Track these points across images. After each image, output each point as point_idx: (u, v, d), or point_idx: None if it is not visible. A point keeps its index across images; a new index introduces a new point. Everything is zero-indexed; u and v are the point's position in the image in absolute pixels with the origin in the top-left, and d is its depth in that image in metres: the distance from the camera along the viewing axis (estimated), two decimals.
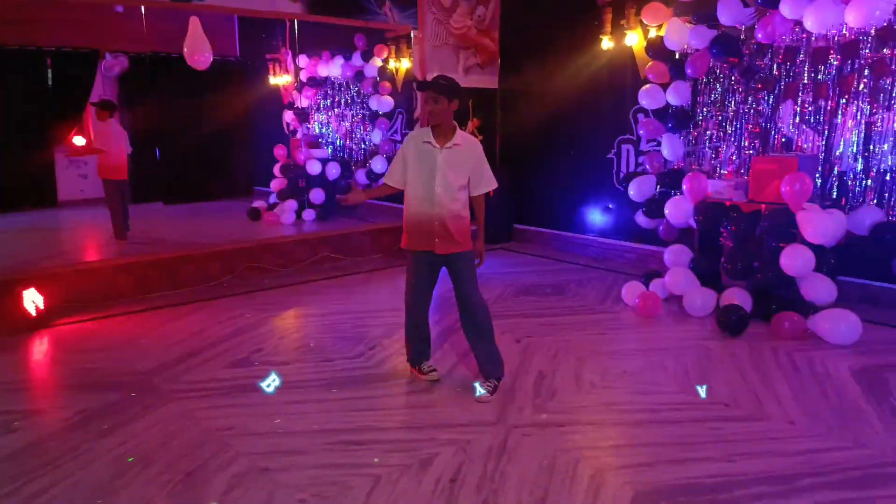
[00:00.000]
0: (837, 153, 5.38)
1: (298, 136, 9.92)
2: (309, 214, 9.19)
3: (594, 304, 5.71)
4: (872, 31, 5.02)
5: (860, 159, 5.27)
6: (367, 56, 9.31)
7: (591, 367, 4.22)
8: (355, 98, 9.80)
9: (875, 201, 5.19)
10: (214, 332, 4.95)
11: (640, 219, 6.42)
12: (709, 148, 6.19)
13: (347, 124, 10.00)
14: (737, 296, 5.08)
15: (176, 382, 4.04)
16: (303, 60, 9.82)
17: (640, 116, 6.59)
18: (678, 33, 6.02)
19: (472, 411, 3.63)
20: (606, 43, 6.73)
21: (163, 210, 10.24)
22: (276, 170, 9.69)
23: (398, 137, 9.37)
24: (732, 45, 5.75)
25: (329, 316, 5.37)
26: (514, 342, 4.68)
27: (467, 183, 3.78)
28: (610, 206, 7.11)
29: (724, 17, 5.71)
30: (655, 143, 6.46)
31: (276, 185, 9.71)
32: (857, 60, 5.19)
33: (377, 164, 9.31)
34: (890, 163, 5.11)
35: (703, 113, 6.20)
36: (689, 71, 6.02)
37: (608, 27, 6.70)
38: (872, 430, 3.38)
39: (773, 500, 2.78)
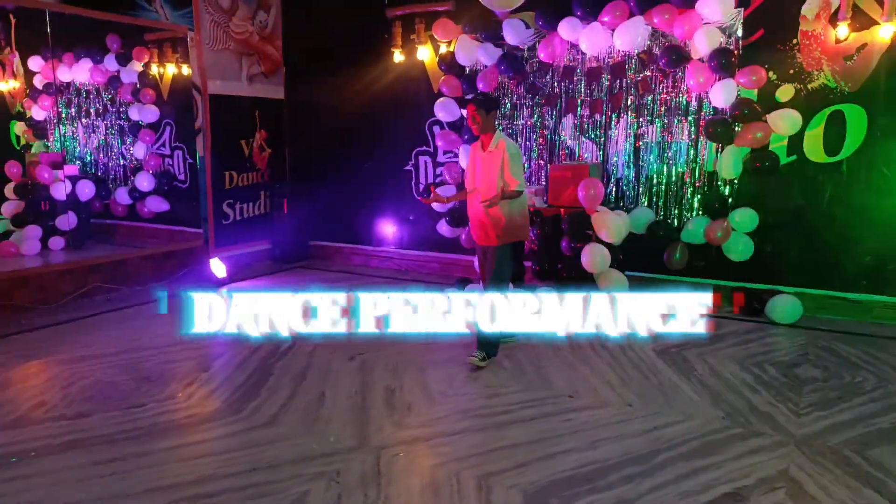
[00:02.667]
0: (613, 161, 6.06)
1: (35, 150, 8.39)
2: (56, 243, 7.76)
3: None
4: (636, 54, 5.75)
5: (632, 167, 5.99)
6: (123, 59, 8.23)
7: (436, 377, 4.14)
8: (110, 107, 8.60)
9: (646, 203, 5.93)
10: None
11: (443, 228, 6.55)
12: None
13: (101, 137, 8.73)
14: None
15: None
16: (36, 63, 8.35)
17: (437, 129, 6.74)
18: (468, 50, 6.29)
19: (327, 439, 3.32)
20: (398, 56, 6.78)
21: None
22: (9, 191, 8.06)
23: (166, 151, 8.41)
24: (517, 64, 6.18)
25: (121, 355, 4.54)
26: (348, 360, 4.42)
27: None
28: (410, 217, 7.15)
29: (510, 36, 6.10)
30: (453, 155, 6.65)
31: (9, 209, 8.07)
32: (624, 79, 5.90)
33: (142, 181, 8.25)
34: (656, 169, 5.88)
35: None
36: (480, 86, 6.32)
37: (398, 41, 6.76)
38: (692, 402, 3.79)
39: (642, 479, 2.95)
